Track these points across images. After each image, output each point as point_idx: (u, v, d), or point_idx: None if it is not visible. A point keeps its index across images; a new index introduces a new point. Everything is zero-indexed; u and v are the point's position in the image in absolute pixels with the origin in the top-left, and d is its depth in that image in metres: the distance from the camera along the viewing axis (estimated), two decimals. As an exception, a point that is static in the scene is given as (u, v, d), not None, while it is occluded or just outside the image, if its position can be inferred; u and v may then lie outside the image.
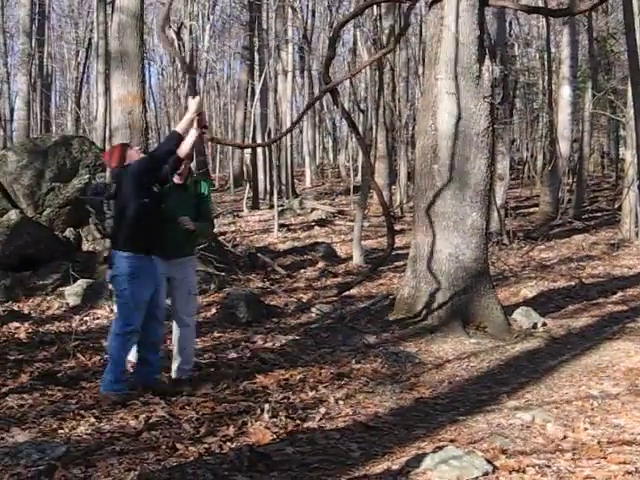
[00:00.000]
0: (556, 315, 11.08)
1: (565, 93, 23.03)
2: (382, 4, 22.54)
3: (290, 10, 31.61)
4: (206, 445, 5.61)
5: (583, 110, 25.66)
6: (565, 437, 5.82)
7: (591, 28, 25.31)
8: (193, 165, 33.45)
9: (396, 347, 8.93)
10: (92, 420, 6.16)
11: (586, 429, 5.96)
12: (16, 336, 9.34)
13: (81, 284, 11.44)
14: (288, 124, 30.08)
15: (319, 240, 19.20)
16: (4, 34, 37.19)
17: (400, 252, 14.91)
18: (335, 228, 22.48)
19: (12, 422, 6.04)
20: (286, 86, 32.19)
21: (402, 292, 10.57)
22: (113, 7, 13.40)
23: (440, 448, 5.37)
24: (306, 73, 41.37)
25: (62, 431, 5.89)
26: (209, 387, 7.30)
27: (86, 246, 13.94)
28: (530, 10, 9.54)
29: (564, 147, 22.99)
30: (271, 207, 24.60)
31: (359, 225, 16.55)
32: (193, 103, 7.16)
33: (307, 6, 38.13)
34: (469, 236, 10.04)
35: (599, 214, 24.27)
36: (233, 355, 8.69)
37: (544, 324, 10.31)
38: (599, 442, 5.56)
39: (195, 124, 7.16)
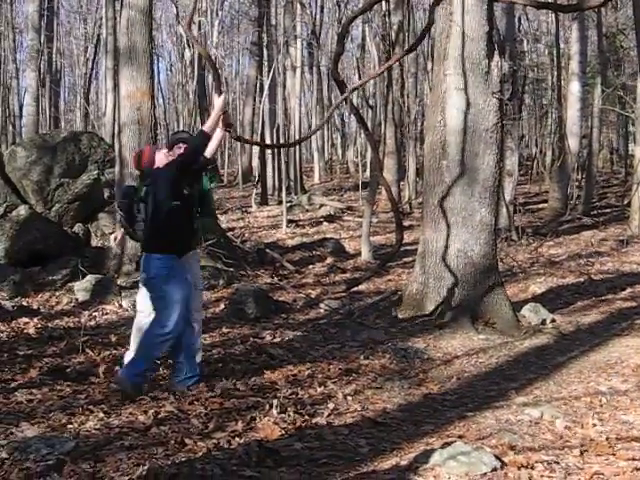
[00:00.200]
0: (565, 311, 11.06)
1: (574, 89, 22.99)
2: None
3: (299, 6, 31.57)
4: (215, 440, 5.61)
5: (592, 106, 25.62)
6: (574, 433, 5.81)
7: (600, 24, 25.25)
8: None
9: (404, 343, 8.92)
10: (101, 415, 6.16)
11: (595, 425, 5.94)
12: (25, 331, 9.36)
13: (90, 279, 11.47)
14: (297, 120, 30.12)
15: (328, 236, 19.20)
16: (13, 30, 37.28)
17: (409, 248, 14.90)
18: (344, 224, 22.48)
19: (21, 417, 6.06)
20: (295, 82, 32.17)
21: (410, 288, 10.57)
22: (122, 3, 13.42)
23: (448, 444, 5.36)
24: (315, 69, 41.42)
25: (71, 426, 5.90)
26: (218, 382, 7.31)
27: (95, 242, 13.98)
28: (539, 6, 9.47)
29: (573, 143, 22.95)
30: (280, 203, 24.59)
31: (368, 221, 16.54)
32: (219, 101, 7.12)
33: (316, 2, 38.19)
34: (478, 232, 10.03)
35: (608, 210, 24.21)
36: (241, 351, 8.70)
37: (553, 320, 10.30)
38: (608, 438, 5.55)
39: (220, 123, 7.12)
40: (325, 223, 22.38)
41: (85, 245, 13.59)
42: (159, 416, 6.22)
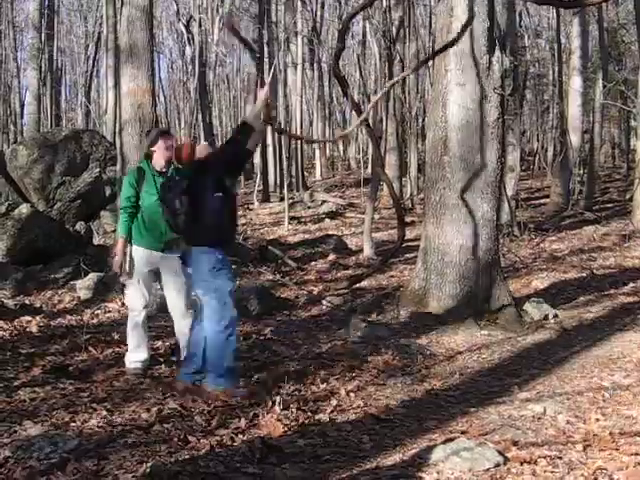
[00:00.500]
0: (567, 306, 11.05)
1: (575, 84, 22.98)
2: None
3: (299, 2, 31.56)
4: (218, 437, 5.62)
5: (594, 101, 25.59)
6: (577, 428, 5.81)
7: (601, 19, 25.23)
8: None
9: (407, 339, 8.92)
10: (104, 413, 6.16)
11: (598, 420, 5.94)
12: (28, 330, 9.36)
13: (92, 277, 11.47)
14: (298, 116, 30.10)
15: (330, 232, 19.22)
16: (14, 29, 37.31)
17: (411, 244, 14.89)
18: (345, 220, 22.49)
19: (24, 415, 6.05)
20: (296, 79, 32.18)
21: (413, 284, 10.57)
22: (122, 1, 13.41)
23: (451, 440, 5.37)
24: (316, 65, 41.38)
25: (74, 424, 5.89)
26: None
27: (97, 240, 14.00)
28: (540, 1, 9.50)
29: (575, 138, 22.95)
30: (281, 200, 24.60)
31: (369, 217, 16.54)
32: (262, 93, 7.08)
33: (316, -2, 38.11)
34: (480, 227, 10.04)
35: (610, 205, 24.19)
36: (244, 347, 8.70)
37: (555, 315, 10.29)
38: (611, 433, 5.54)
39: (262, 115, 7.04)
40: (327, 220, 22.38)
41: (87, 243, 13.59)
42: (162, 414, 6.23)
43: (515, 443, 5.39)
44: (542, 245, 17.15)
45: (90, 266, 12.05)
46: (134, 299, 7.56)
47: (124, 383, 7.19)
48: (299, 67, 31.93)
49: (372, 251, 16.03)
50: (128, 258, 7.57)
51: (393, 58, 23.20)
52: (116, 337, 8.78)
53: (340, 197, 27.58)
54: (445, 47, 8.59)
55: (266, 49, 33.08)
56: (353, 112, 26.88)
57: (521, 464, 4.96)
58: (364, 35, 36.91)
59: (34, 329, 9.38)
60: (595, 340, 8.88)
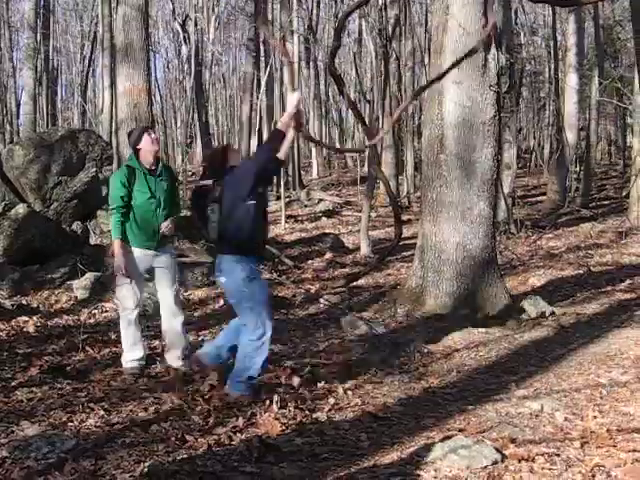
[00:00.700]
0: (564, 303, 11.06)
1: (572, 81, 22.99)
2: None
3: (295, 1, 31.55)
4: (215, 436, 5.62)
5: (590, 98, 25.65)
6: (574, 425, 5.81)
7: (597, 16, 25.27)
8: (199, 156, 33.26)
9: (404, 337, 8.93)
10: (101, 413, 6.17)
11: (595, 417, 5.94)
12: (25, 330, 9.36)
13: (89, 277, 11.47)
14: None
15: (326, 231, 19.23)
16: (9, 28, 37.28)
17: (408, 242, 14.91)
18: (342, 219, 22.50)
19: (22, 415, 6.05)
20: (292, 77, 32.13)
21: (410, 282, 10.58)
22: (118, 0, 13.42)
23: (449, 438, 5.36)
24: (312, 64, 41.37)
25: (72, 424, 5.90)
26: (218, 378, 7.31)
27: (93, 239, 13.98)
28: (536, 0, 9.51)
29: (571, 135, 22.97)
30: (278, 198, 24.60)
31: (366, 216, 16.55)
32: (293, 98, 6.91)
33: (312, -3, 38.11)
34: (477, 225, 10.04)
35: (607, 202, 24.22)
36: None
37: (552, 312, 10.29)
38: (608, 430, 5.54)
39: (292, 121, 6.87)
40: (324, 218, 22.40)
41: (84, 243, 13.57)
42: (159, 413, 6.23)
43: (513, 440, 5.39)
44: (539, 242, 17.16)
45: (87, 266, 12.03)
46: (126, 298, 7.55)
47: (121, 383, 7.20)
48: (295, 66, 31.91)
49: (369, 249, 16.04)
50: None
51: (389, 56, 23.21)
52: (113, 337, 8.78)
53: (337, 195, 27.60)
54: (444, 74, 8.56)
55: (262, 48, 33.05)
56: (349, 110, 26.90)
57: (519, 461, 4.96)
58: (360, 33, 36.93)
59: (31, 329, 9.39)
60: (592, 337, 8.88)
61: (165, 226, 7.60)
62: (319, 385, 7.13)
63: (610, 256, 15.16)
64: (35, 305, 10.80)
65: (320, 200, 25.29)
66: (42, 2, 32.72)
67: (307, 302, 11.43)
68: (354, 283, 12.14)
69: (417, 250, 10.62)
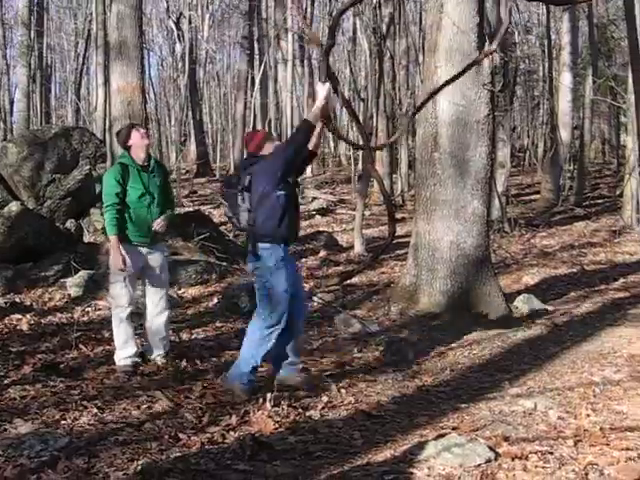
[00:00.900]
0: (558, 302, 11.08)
1: (566, 80, 23.02)
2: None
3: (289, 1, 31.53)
4: (209, 435, 5.62)
5: (584, 97, 25.67)
6: (567, 424, 5.81)
7: (591, 15, 25.27)
8: (194, 154, 33.22)
9: (398, 335, 8.93)
10: (95, 411, 6.16)
11: (588, 416, 5.95)
12: (18, 328, 9.35)
13: (82, 275, 11.45)
14: (289, 113, 30.09)
15: (320, 229, 19.21)
16: (3, 26, 37.19)
17: (401, 240, 14.90)
18: (336, 217, 22.49)
19: (15, 413, 6.05)
20: (286, 75, 32.16)
21: (403, 280, 10.58)
22: (112, -2, 13.40)
23: (442, 436, 5.37)
24: (306, 62, 41.35)
25: (65, 422, 5.90)
26: (212, 376, 7.32)
27: (87, 237, 13.96)
28: (530, -3, 9.50)
29: (565, 134, 22.99)
30: (272, 197, 24.53)
31: (360, 214, 16.54)
32: (323, 89, 6.90)
33: (306, -5, 38.07)
34: (470, 224, 10.05)
35: (600, 201, 24.26)
36: (235, 344, 8.69)
37: (546, 311, 10.31)
38: (601, 428, 5.55)
39: (321, 113, 6.84)
40: (317, 216, 22.39)
41: (77, 241, 13.53)
42: (153, 411, 6.23)
43: (506, 439, 5.39)
44: (532, 241, 17.18)
45: (80, 264, 12.01)
46: (120, 296, 7.55)
47: (115, 381, 7.20)
48: (289, 64, 31.91)
49: (363, 247, 16.03)
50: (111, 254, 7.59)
51: (383, 54, 23.20)
52: (106, 335, 8.76)
53: (331, 194, 27.56)
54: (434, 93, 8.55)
55: (256, 46, 33.06)
56: (344, 109, 26.88)
57: (512, 459, 4.97)
58: (354, 31, 36.90)
59: (24, 327, 9.37)
60: (585, 335, 8.90)
61: (157, 223, 7.61)
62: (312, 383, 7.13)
63: (604, 255, 15.19)
64: (28, 303, 10.77)
65: (314, 198, 25.26)
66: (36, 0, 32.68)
67: (301, 300, 11.41)
68: (348, 281, 12.12)
69: (411, 248, 10.63)
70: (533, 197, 25.24)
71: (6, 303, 10.53)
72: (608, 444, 5.20)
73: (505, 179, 19.68)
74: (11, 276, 11.51)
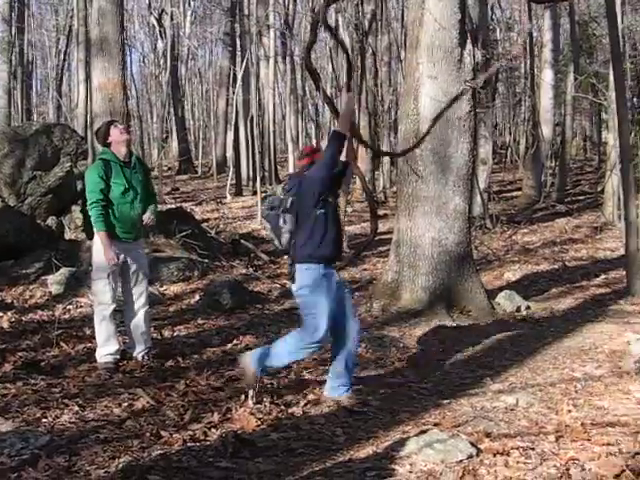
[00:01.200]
0: (539, 298, 11.12)
1: (547, 77, 23.09)
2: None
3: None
4: (191, 432, 5.61)
5: (565, 94, 25.72)
6: (549, 419, 5.83)
7: (573, 12, 25.35)
8: (175, 151, 33.12)
9: (380, 332, 8.93)
10: (76, 409, 6.14)
11: (570, 411, 5.97)
12: (-1, 325, 9.31)
13: (64, 272, 11.40)
14: (271, 110, 30.04)
15: (303, 226, 19.17)
16: (-17, 22, 36.92)
17: (383, 237, 14.92)
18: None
19: (-5, 411, 6.03)
20: (268, 72, 32.06)
21: (385, 277, 10.58)
22: (93, -6, 13.36)
23: (424, 432, 5.37)
24: (288, 59, 41.28)
25: (46, 420, 5.87)
26: (193, 374, 7.30)
27: (68, 234, 13.89)
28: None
29: (546, 131, 23.06)
30: (254, 193, 24.58)
31: (342, 210, 16.52)
32: (348, 98, 6.89)
33: (288, -9, 38.01)
34: (452, 220, 10.06)
35: (582, 197, 24.35)
36: (217, 342, 8.69)
37: (527, 307, 10.35)
38: (583, 424, 5.57)
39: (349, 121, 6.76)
40: (300, 213, 22.34)
41: (58, 238, 13.48)
42: (134, 409, 6.21)
43: (488, 434, 5.40)
44: (514, 237, 17.23)
45: (62, 261, 11.97)
46: (103, 293, 7.53)
47: (96, 378, 7.17)
48: (271, 60, 31.79)
49: (345, 244, 16.02)
50: (94, 251, 7.58)
51: (365, 51, 23.21)
52: (88, 332, 8.73)
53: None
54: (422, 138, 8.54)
55: (238, 42, 32.97)
56: (326, 105, 26.87)
57: (494, 455, 4.98)
58: (337, 28, 36.81)
59: (5, 325, 9.32)
60: (567, 331, 8.93)
61: (147, 217, 7.62)
62: (294, 380, 7.13)
63: (585, 251, 15.26)
64: (9, 300, 10.72)
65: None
66: (17, -5, 32.50)
67: (283, 297, 11.41)
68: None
69: (393, 245, 10.63)
70: (515, 194, 25.33)
71: (-13, 301, 10.49)
72: (589, 439, 5.22)
73: (487, 176, 19.73)
74: (-8, 274, 11.46)
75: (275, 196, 6.92)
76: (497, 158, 33.94)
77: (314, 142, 50.62)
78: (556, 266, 13.57)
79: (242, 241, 15.69)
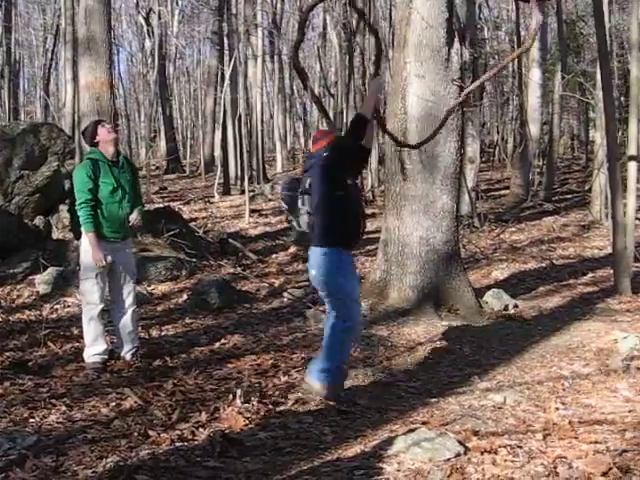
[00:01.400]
0: (527, 296, 11.14)
1: (535, 76, 23.11)
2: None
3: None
4: (178, 432, 5.60)
5: (553, 93, 25.75)
6: (536, 418, 5.85)
7: (560, 11, 25.38)
8: (163, 150, 33.06)
9: (368, 331, 8.92)
10: (63, 409, 6.13)
11: (557, 409, 5.98)
12: (-14, 325, 9.29)
13: (51, 272, 11.38)
14: (259, 109, 30.02)
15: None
16: (-30, 21, 36.82)
17: (371, 236, 14.89)
18: (307, 213, 22.44)
19: (-18, 412, 6.01)
20: (256, 71, 32.08)
21: (373, 276, 10.58)
22: (80, -8, 13.31)
23: (412, 430, 5.38)
24: (276, 58, 41.27)
25: (33, 420, 5.86)
26: (181, 373, 7.30)
27: (56, 234, 13.86)
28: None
29: (534, 130, 23.09)
30: (242, 193, 24.52)
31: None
32: (376, 83, 6.81)
33: (276, -10, 38.00)
34: (440, 219, 10.06)
35: (569, 196, 24.38)
36: (205, 341, 8.68)
37: (515, 305, 10.37)
38: (570, 422, 5.58)
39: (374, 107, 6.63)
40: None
41: (46, 238, 13.45)
42: (122, 408, 6.21)
43: (476, 433, 5.41)
44: (502, 236, 17.25)
45: (49, 260, 11.95)
46: (91, 293, 7.51)
47: (84, 378, 7.17)
48: (259, 59, 31.83)
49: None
50: (82, 251, 7.57)
51: (353, 50, 23.22)
52: (75, 332, 8.73)
53: (301, 189, 27.50)
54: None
55: (226, 41, 32.91)
56: (314, 104, 26.90)
57: (482, 454, 4.99)
58: (324, 27, 36.87)
59: (-8, 324, 9.31)
60: (554, 330, 8.95)
61: (134, 218, 7.62)
62: (283, 379, 7.13)
63: (572, 249, 15.28)
64: (-4, 300, 10.71)
65: (284, 194, 25.20)
66: (3, -5, 32.42)
67: (271, 296, 11.43)
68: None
69: (381, 244, 10.63)
70: (502, 192, 25.34)
71: (-27, 301, 10.46)
72: (577, 437, 5.24)
73: (475, 174, 19.72)
74: (-21, 273, 11.43)
75: (292, 176, 6.83)
76: (485, 157, 33.98)
77: (302, 141, 50.74)
78: (544, 264, 13.60)
79: (230, 240, 15.68)
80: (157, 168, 39.04)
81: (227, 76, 27.81)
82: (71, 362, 7.65)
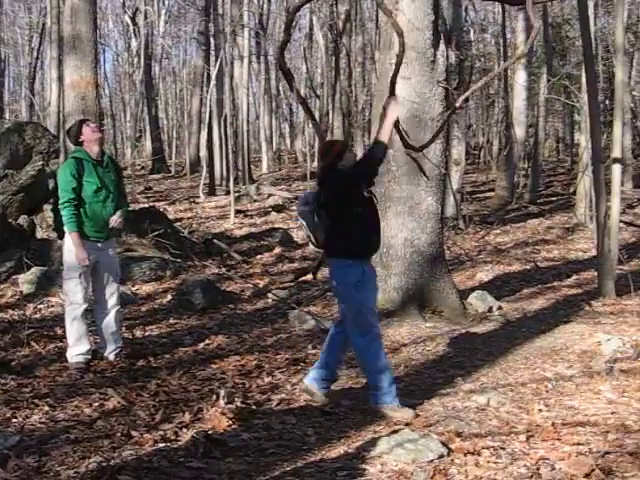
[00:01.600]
0: (511, 298, 11.16)
1: (520, 78, 23.18)
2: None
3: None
4: (162, 432, 5.59)
5: (538, 95, 25.83)
6: (520, 419, 5.86)
7: (546, 14, 25.45)
8: (149, 150, 33.04)
9: (352, 332, 8.92)
10: (46, 409, 6.11)
11: (540, 411, 6.00)
12: (-31, 325, 9.25)
13: (35, 272, 11.35)
14: (245, 110, 30.01)
15: (276, 226, 19.19)
16: (-45, 19, 36.68)
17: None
18: (292, 214, 22.45)
19: (-36, 411, 5.99)
20: (242, 71, 32.08)
21: (358, 277, 10.57)
22: (66, -9, 13.27)
23: (396, 432, 5.39)
24: (262, 58, 41.26)
25: (16, 420, 5.84)
26: (165, 373, 7.28)
27: (40, 233, 13.82)
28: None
29: (520, 132, 23.15)
30: (228, 193, 24.50)
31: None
32: (394, 107, 6.81)
33: (263, -9, 38.00)
34: (424, 221, 10.06)
35: (554, 198, 24.47)
36: (189, 341, 8.67)
37: (499, 307, 10.39)
38: (553, 424, 5.60)
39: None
40: (273, 213, 22.35)
41: (30, 237, 13.41)
42: (105, 409, 6.19)
43: (459, 434, 5.42)
44: (487, 238, 17.29)
45: (33, 260, 11.91)
46: (75, 293, 7.49)
47: (67, 378, 7.15)
48: (245, 60, 31.85)
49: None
50: (65, 250, 7.55)
51: (339, 51, 23.24)
52: (59, 332, 8.70)
53: (286, 190, 27.51)
54: None
55: (212, 42, 32.89)
56: (300, 105, 26.95)
57: (465, 455, 5.00)
58: (311, 28, 36.88)
59: (-25, 324, 9.27)
60: (538, 332, 8.97)
61: (115, 220, 7.59)
62: (266, 380, 7.13)
63: (557, 252, 15.33)
64: (-21, 300, 10.67)
65: (270, 195, 25.21)
66: (-12, -7, 32.32)
67: (255, 297, 11.43)
68: (302, 278, 12.13)
69: (366, 245, 10.62)
70: (488, 194, 25.41)
71: (-43, 300, 10.42)
72: (560, 439, 5.25)
73: (460, 176, 19.77)
74: (-38, 273, 11.39)
75: (309, 191, 6.80)
76: (470, 159, 34.04)
77: (287, 142, 50.77)
78: (528, 267, 13.64)
79: (215, 241, 15.66)
80: (142, 168, 38.97)
81: (213, 76, 27.77)
82: (54, 362, 7.63)
